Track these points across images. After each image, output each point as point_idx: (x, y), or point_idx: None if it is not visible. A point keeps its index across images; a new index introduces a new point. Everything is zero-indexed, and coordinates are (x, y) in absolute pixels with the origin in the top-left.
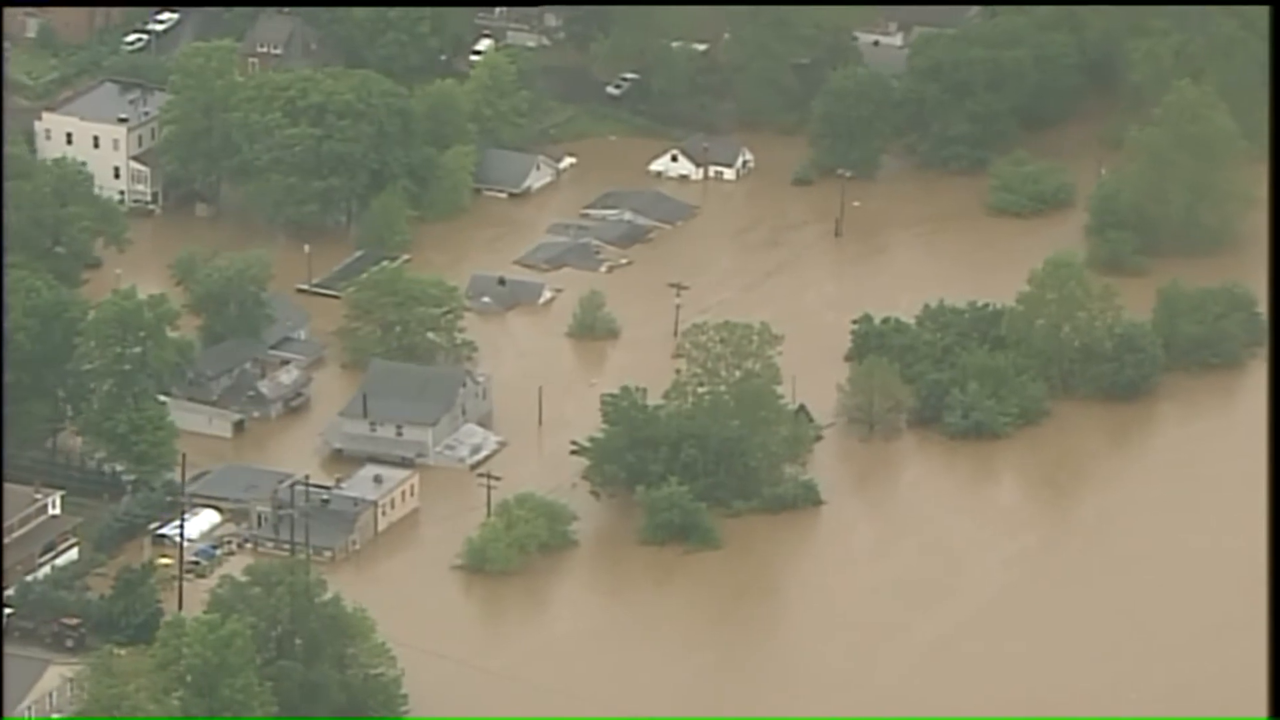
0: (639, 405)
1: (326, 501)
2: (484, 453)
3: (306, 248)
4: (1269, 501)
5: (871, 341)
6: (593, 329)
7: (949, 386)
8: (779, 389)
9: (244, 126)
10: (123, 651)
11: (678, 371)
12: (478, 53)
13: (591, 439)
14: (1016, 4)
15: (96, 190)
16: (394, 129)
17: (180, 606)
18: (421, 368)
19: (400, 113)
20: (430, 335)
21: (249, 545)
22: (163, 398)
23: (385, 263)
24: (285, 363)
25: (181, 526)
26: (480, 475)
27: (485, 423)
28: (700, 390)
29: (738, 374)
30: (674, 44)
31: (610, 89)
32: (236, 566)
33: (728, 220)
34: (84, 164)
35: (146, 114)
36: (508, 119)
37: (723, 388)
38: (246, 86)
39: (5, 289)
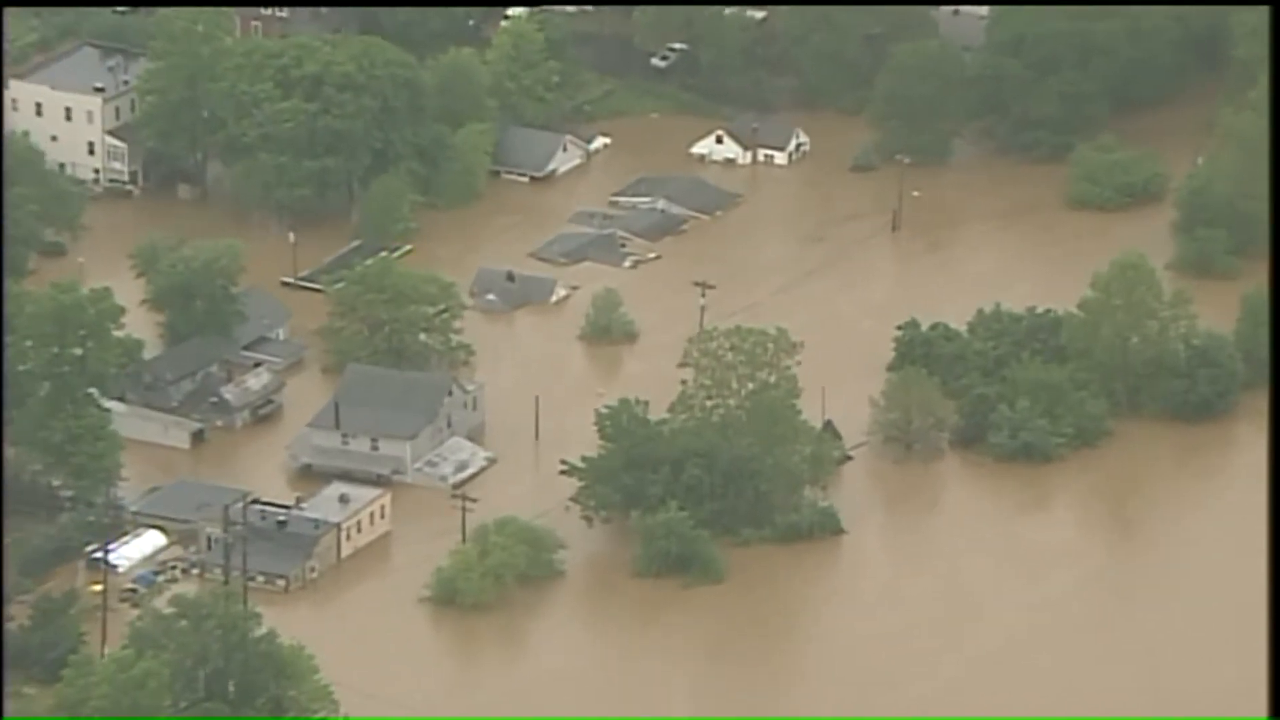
0: (639, 419)
1: (283, 523)
2: (469, 470)
3: (291, 236)
4: (1269, 502)
5: (917, 350)
6: (608, 332)
7: (997, 402)
8: (801, 403)
9: (230, 98)
10: (33, 690)
11: (684, 383)
12: (511, 19)
13: (585, 458)
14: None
15: (68, 169)
16: (400, 103)
17: (104, 641)
18: (403, 374)
19: (408, 85)
20: (423, 337)
21: (196, 571)
22: (112, 404)
23: (384, 254)
24: (257, 365)
25: (105, 550)
26: (457, 496)
27: (475, 436)
28: (709, 404)
29: (751, 386)
30: (727, 11)
31: (655, 61)
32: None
33: (773, 211)
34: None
35: (126, 83)
36: (533, 93)
37: (733, 401)
38: (234, 54)
39: (5, 290)
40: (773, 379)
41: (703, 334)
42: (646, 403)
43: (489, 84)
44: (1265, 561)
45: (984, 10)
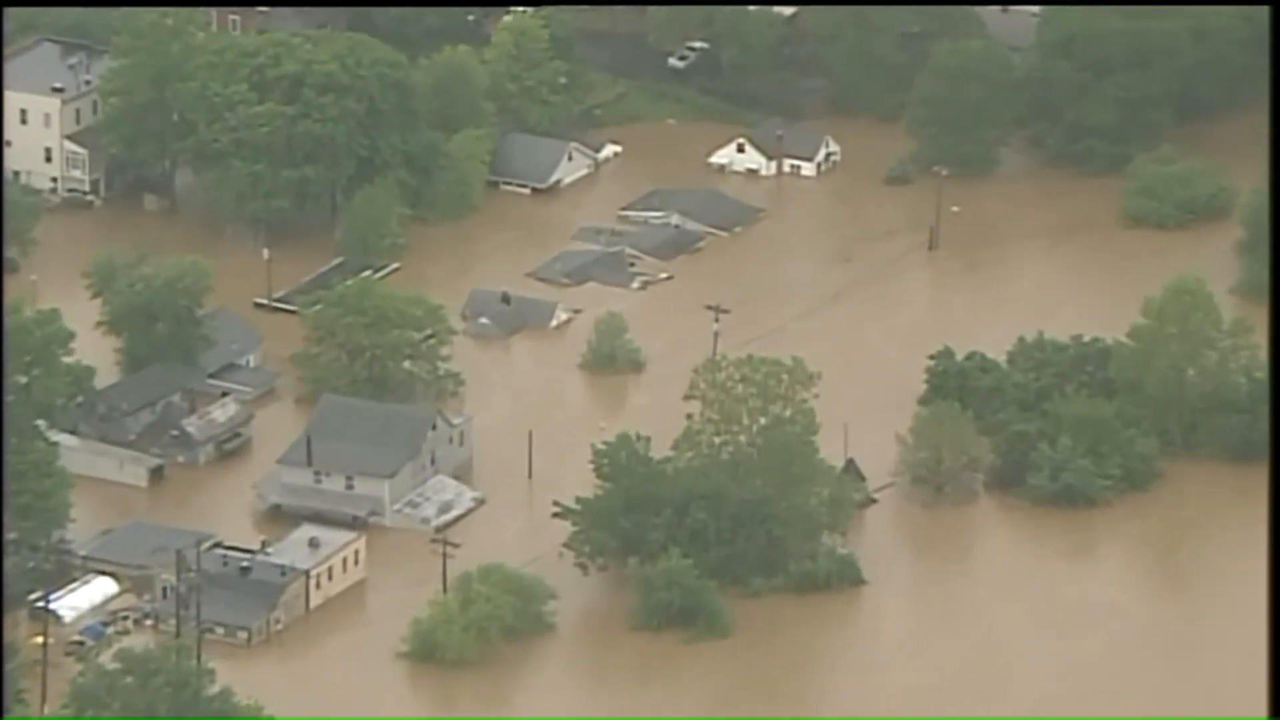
0: (640, 457)
1: (247, 569)
2: (455, 512)
3: (265, 252)
4: (1269, 500)
5: (950, 382)
6: (612, 360)
7: (1037, 440)
8: (820, 440)
9: (201, 100)
10: None
11: (690, 417)
12: (513, 14)
13: (579, 499)
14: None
15: (23, 177)
16: (388, 106)
17: (43, 699)
18: (383, 406)
19: (397, 86)
20: (407, 365)
21: (149, 622)
22: (62, 437)
23: (367, 273)
24: (223, 395)
25: (48, 598)
26: (436, 540)
27: (461, 475)
28: (717, 440)
29: (763, 421)
30: (752, 7)
31: (672, 61)
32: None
33: (798, 227)
34: None
35: (88, 83)
36: (536, 96)
37: (744, 438)
38: (206, 51)
39: (5, 290)
40: (787, 413)
41: (710, 363)
42: (648, 439)
43: (487, 86)
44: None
45: (1035, 8)
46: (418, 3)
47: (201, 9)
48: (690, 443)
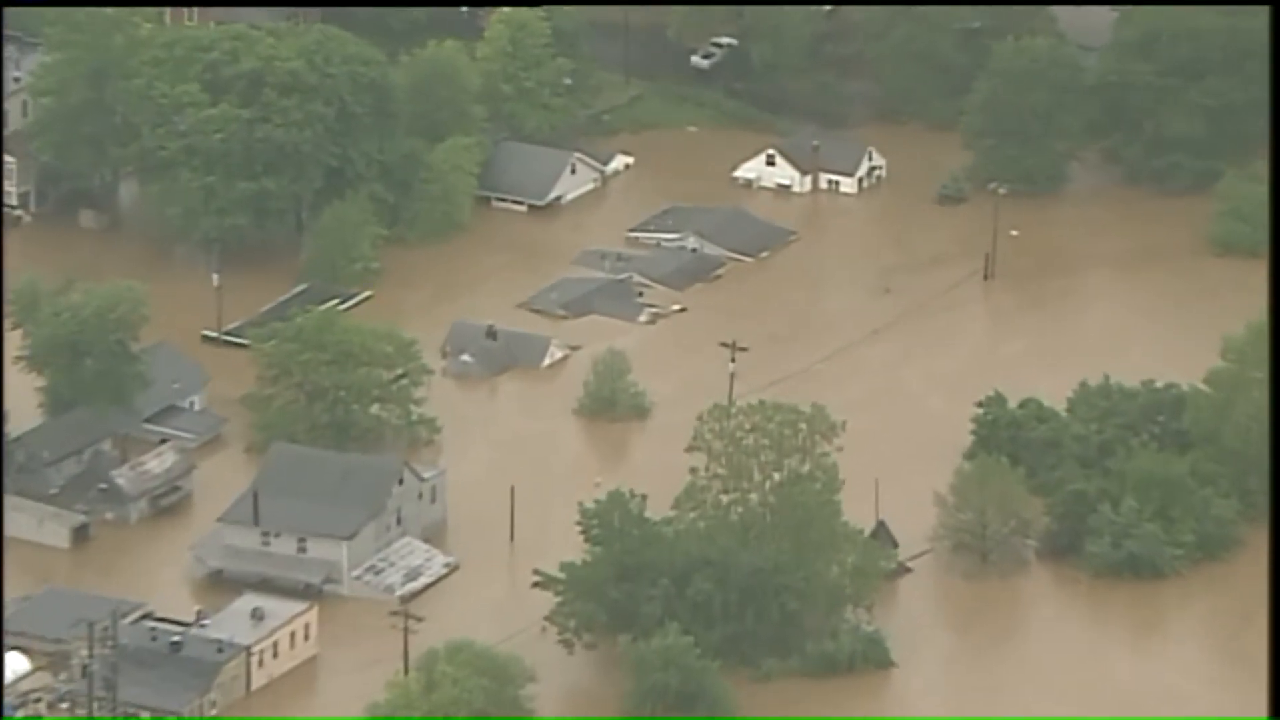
0: (634, 517)
1: (178, 645)
2: (423, 579)
3: (215, 277)
4: (1270, 495)
5: (1000, 434)
6: (611, 405)
7: (1098, 501)
8: (845, 499)
9: (146, 101)
10: None
11: (693, 472)
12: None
13: (564, 565)
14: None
15: None
16: (363, 110)
17: None
18: (342, 456)
19: (373, 87)
20: (375, 409)
21: (65, 705)
22: None
23: (334, 303)
24: (162, 443)
25: None
26: (399, 613)
27: (433, 536)
28: (724, 499)
29: (777, 478)
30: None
31: (695, 59)
32: None
33: (834, 252)
34: None
35: (17, 80)
36: (535, 99)
37: (756, 496)
38: (152, 45)
39: (4, 291)
40: (806, 468)
41: (718, 409)
42: (643, 496)
43: (478, 86)
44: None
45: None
46: (410, 2)
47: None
48: (693, 501)
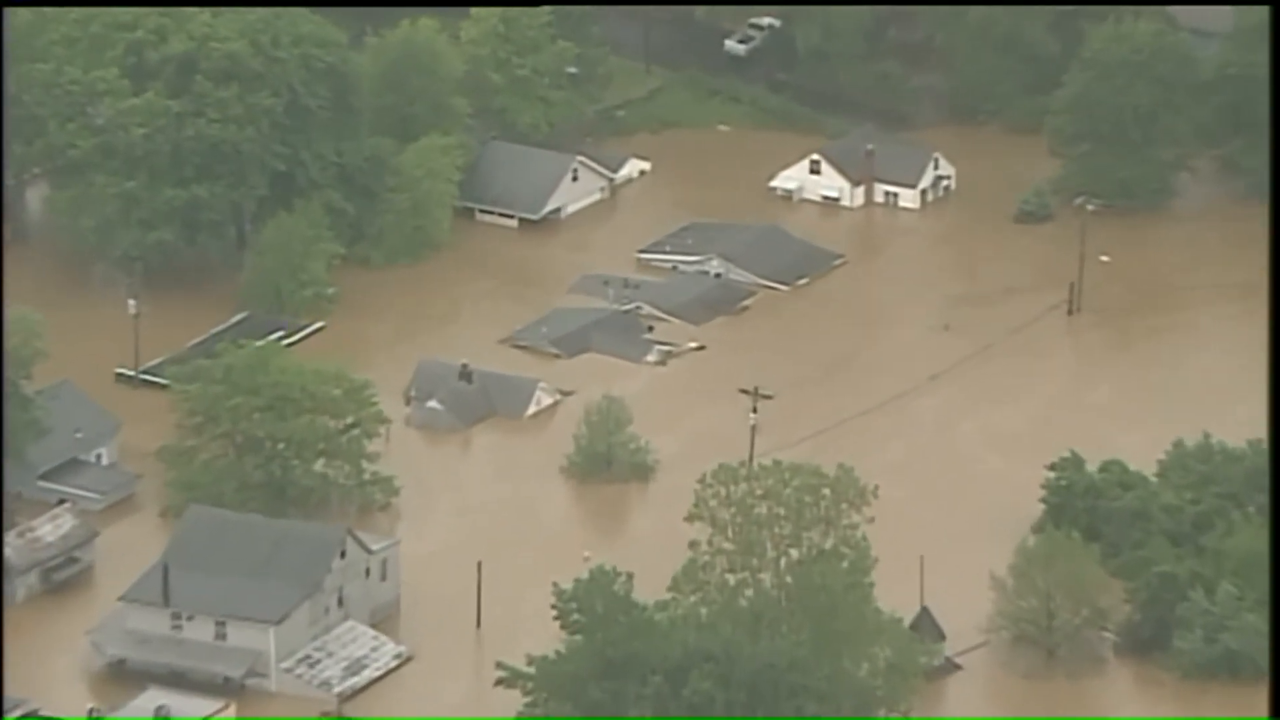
0: (621, 600)
1: None
2: (369, 673)
3: (132, 303)
4: (1270, 493)
5: (1076, 503)
6: (607, 464)
7: (1190, 586)
8: (879, 580)
9: (55, 90)
10: None
11: (693, 546)
12: None
13: (533, 659)
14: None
15: None
16: (319, 103)
17: None
18: (272, 523)
19: (331, 75)
20: (319, 465)
21: None
22: None
23: (276, 335)
24: (59, 504)
25: None
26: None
27: (382, 621)
28: (730, 579)
29: (795, 554)
30: None
31: (730, 44)
32: None
33: (888, 281)
34: None
35: None
36: (531, 91)
37: (768, 577)
38: (62, 21)
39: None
40: (830, 543)
41: (723, 471)
42: (630, 575)
43: (461, 75)
44: None
45: None
46: (401, 3)
47: None
48: (693, 582)
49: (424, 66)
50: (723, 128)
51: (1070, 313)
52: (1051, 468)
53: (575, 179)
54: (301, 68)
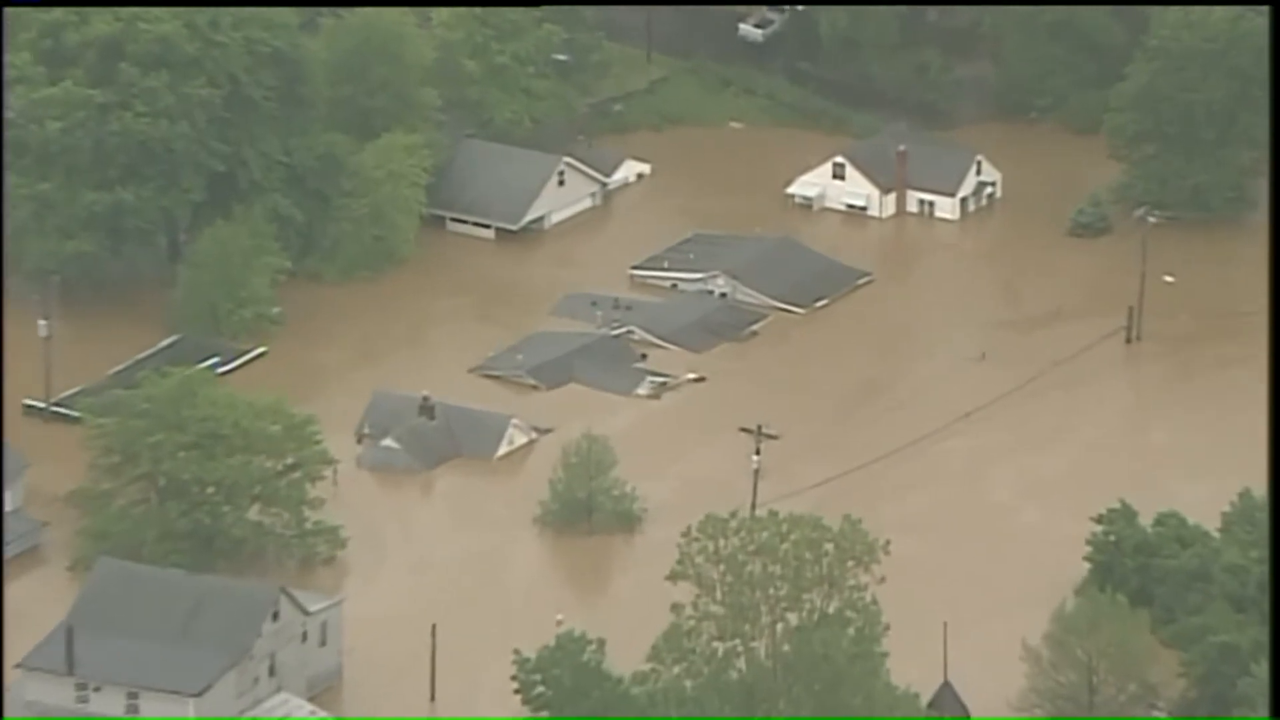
0: (591, 672)
1: None
2: None
3: (42, 324)
4: (1269, 491)
5: (1125, 561)
6: (587, 512)
7: (1251, 657)
8: (892, 648)
9: None
10: None
11: (676, 609)
12: None
13: None
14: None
15: None
16: (263, 93)
17: None
18: (195, 579)
19: (279, 62)
20: (254, 513)
21: None
22: None
23: (210, 361)
24: None
25: None
26: None
27: (322, 693)
28: (719, 647)
29: (793, 619)
30: None
31: (745, 27)
32: None
33: (920, 303)
34: None
35: None
36: (512, 82)
37: (763, 645)
38: None
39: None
40: (832, 606)
41: (711, 523)
42: (602, 642)
43: (431, 63)
44: None
45: None
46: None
47: None
48: (676, 651)
49: (388, 52)
50: (735, 125)
51: (1128, 341)
52: (1098, 520)
53: (562, 183)
54: (244, 53)
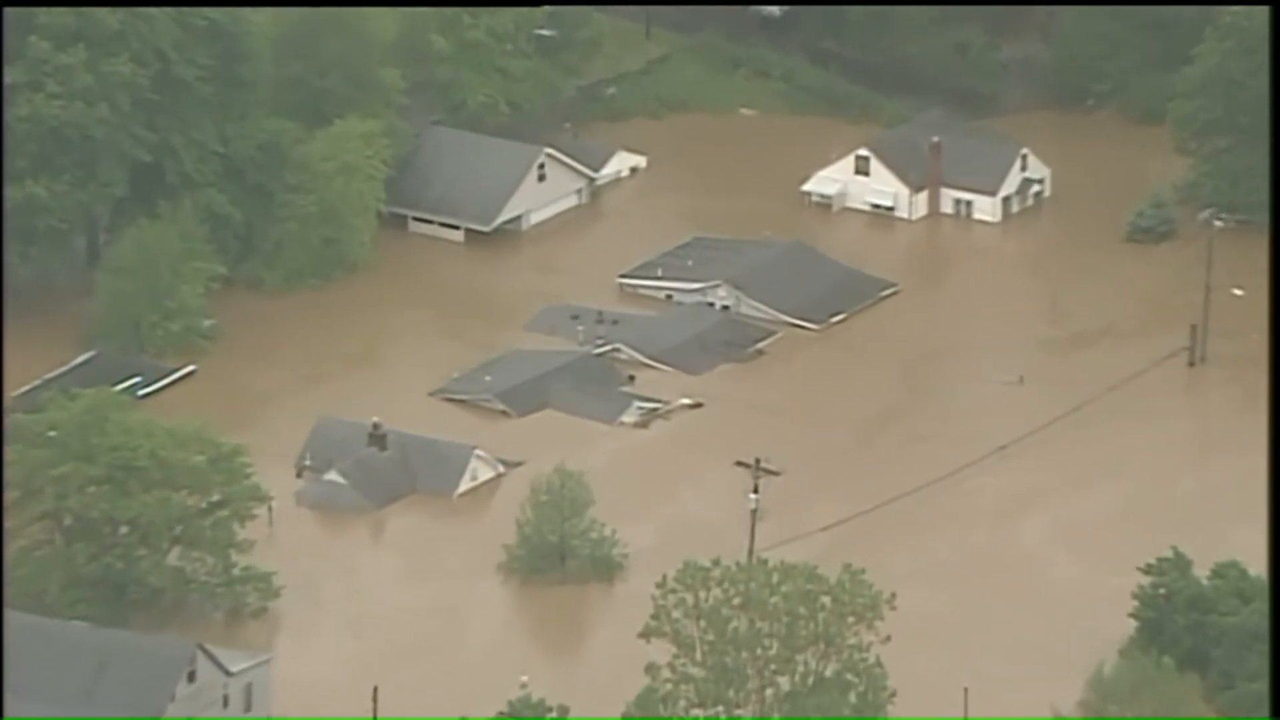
0: None
1: None
2: None
3: None
4: (1269, 492)
5: (1176, 618)
6: (559, 558)
7: None
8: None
9: None
10: None
11: (651, 671)
12: None
13: None
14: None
15: None
16: (196, 73)
17: None
18: (102, 633)
19: (216, 36)
20: (173, 556)
21: None
22: None
23: (130, 382)
24: None
25: None
26: None
27: None
28: (697, 715)
29: (784, 684)
30: None
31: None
32: None
33: (951, 318)
34: None
35: None
36: (486, 61)
37: (747, 711)
38: None
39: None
40: (829, 669)
41: (690, 573)
42: (564, 708)
43: (392, 39)
44: None
45: None
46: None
47: None
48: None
49: (343, 26)
50: (745, 112)
51: (1191, 364)
52: (1146, 571)
53: (542, 178)
54: (175, 26)
